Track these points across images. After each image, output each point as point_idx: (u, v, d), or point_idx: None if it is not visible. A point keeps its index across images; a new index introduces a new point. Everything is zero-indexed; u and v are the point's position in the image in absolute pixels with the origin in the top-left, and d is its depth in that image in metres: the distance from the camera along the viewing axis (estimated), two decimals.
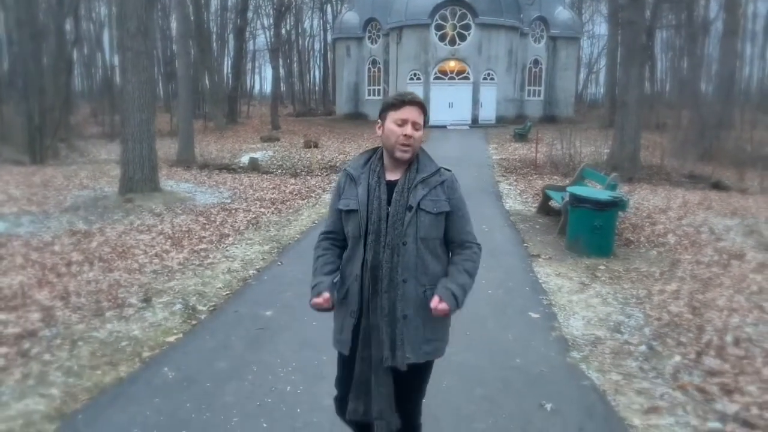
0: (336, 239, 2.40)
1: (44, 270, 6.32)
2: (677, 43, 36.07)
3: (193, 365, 3.98)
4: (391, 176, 2.30)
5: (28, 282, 5.88)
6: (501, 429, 3.25)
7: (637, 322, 5.04)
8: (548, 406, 3.51)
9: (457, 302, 2.22)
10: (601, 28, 58.76)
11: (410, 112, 2.23)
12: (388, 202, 2.24)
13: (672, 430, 3.35)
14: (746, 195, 13.33)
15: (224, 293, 5.63)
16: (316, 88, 62.80)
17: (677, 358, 4.33)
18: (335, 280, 2.32)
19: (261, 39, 54.15)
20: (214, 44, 38.73)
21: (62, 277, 6.11)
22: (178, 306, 5.20)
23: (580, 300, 5.60)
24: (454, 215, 2.30)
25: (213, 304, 5.32)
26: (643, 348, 4.50)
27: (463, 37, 34.35)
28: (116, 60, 42.46)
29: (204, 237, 7.96)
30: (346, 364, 2.36)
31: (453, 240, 2.33)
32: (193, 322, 4.87)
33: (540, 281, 6.16)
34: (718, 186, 14.64)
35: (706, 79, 28.17)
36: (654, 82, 39.67)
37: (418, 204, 2.22)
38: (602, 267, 6.70)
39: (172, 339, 4.48)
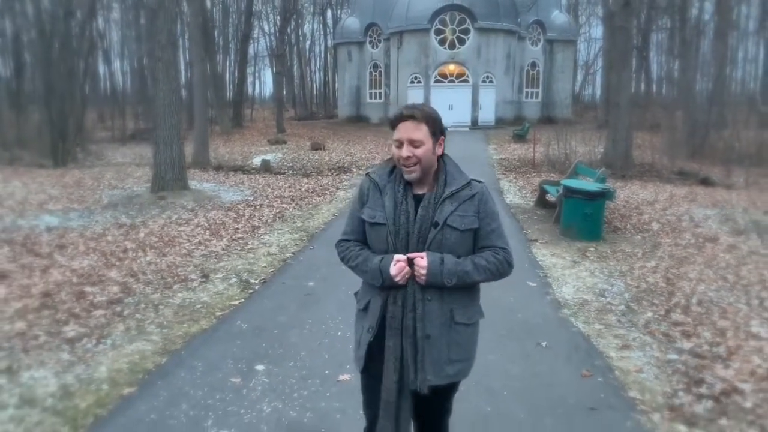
0: (354, 242, 2.28)
1: (105, 255, 7.28)
2: (671, 46, 37.07)
3: (259, 320, 4.97)
4: (419, 190, 2.17)
5: (96, 264, 6.85)
6: (507, 358, 4.22)
7: (618, 290, 6.03)
8: (544, 344, 4.50)
9: (441, 271, 2.07)
10: (598, 30, 59.88)
11: (404, 131, 2.11)
12: (415, 217, 2.12)
13: (640, 359, 4.34)
14: (731, 190, 14.29)
15: (269, 270, 6.61)
16: (316, 92, 63.86)
17: (649, 314, 5.32)
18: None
19: (260, 44, 55.18)
20: (220, 50, 39.82)
21: (123, 260, 7.07)
22: (234, 280, 6.19)
23: (571, 274, 6.59)
24: (482, 231, 2.16)
25: (262, 278, 6.31)
26: (622, 307, 5.49)
27: (462, 41, 35.39)
28: (118, 65, 43.64)
29: (238, 228, 8.93)
30: (368, 388, 2.27)
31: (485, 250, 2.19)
32: (250, 291, 5.86)
33: (537, 260, 7.15)
34: (705, 182, 15.61)
35: (700, 80, 29.19)
36: (649, 83, 40.72)
37: (445, 221, 2.09)
38: (592, 249, 7.69)
39: (236, 303, 5.47)
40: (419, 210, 2.11)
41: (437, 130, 2.15)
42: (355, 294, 2.32)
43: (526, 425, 3.34)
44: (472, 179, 2.20)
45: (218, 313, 5.19)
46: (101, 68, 42.96)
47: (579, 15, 55.16)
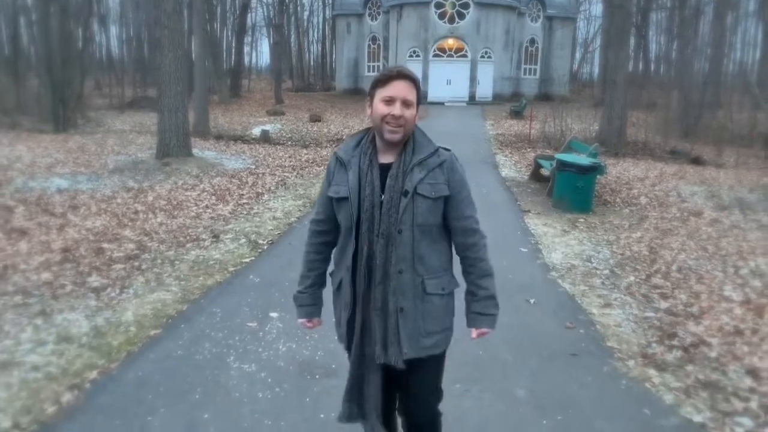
0: (326, 230, 2.26)
1: (117, 216, 7.62)
2: (670, 25, 37.15)
3: (270, 274, 5.35)
4: (385, 159, 2.10)
5: (110, 224, 7.19)
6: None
7: (604, 257, 6.43)
8: (532, 301, 4.91)
9: (495, 318, 2.20)
10: (597, 8, 59.66)
11: (399, 89, 2.02)
12: (382, 188, 2.06)
13: (619, 316, 4.75)
14: (720, 169, 14.69)
15: (276, 233, 6.98)
16: (313, 63, 63.61)
17: (631, 278, 5.72)
18: (319, 292, 2.35)
19: (257, 13, 54.77)
20: (218, 19, 39.63)
21: (135, 221, 7.41)
22: (243, 240, 6.56)
23: (561, 242, 6.98)
24: (453, 199, 2.11)
25: (270, 239, 6.68)
26: (606, 272, 5.90)
27: (462, 16, 35.37)
28: (113, 32, 43.31)
29: (243, 194, 9.26)
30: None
31: (453, 226, 2.15)
32: (259, 250, 6.24)
33: (529, 228, 7.54)
34: (696, 161, 16.00)
35: (697, 60, 29.40)
36: (647, 62, 40.88)
37: (415, 188, 2.03)
38: (582, 220, 8.08)
39: (247, 260, 5.84)
40: (388, 179, 2.05)
41: (420, 98, 2.11)
42: (330, 273, 2.30)
43: (513, 365, 3.75)
44: (440, 147, 2.14)
45: (231, 269, 5.57)
46: (98, 35, 42.72)
47: None
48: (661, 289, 5.42)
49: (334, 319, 2.28)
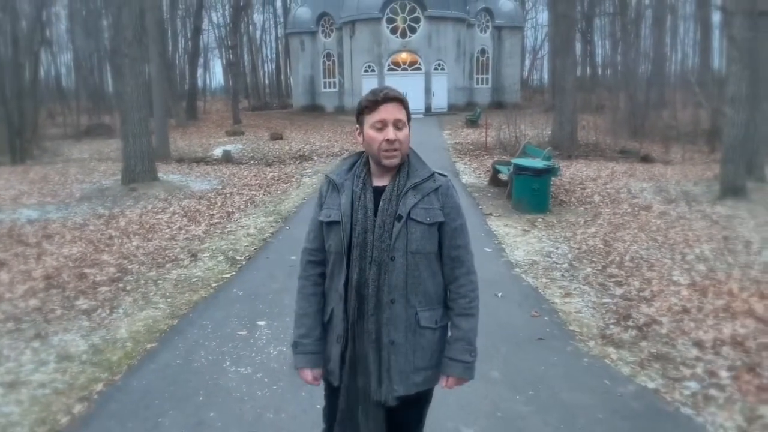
0: (322, 260, 2.12)
1: (93, 243, 7.76)
2: (613, 30, 38.62)
3: (253, 287, 5.63)
4: (379, 182, 2.04)
5: (87, 250, 7.34)
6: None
7: (563, 252, 6.90)
8: (499, 294, 5.32)
9: (468, 366, 2.06)
10: (544, 16, 61.48)
11: (388, 111, 1.96)
12: (375, 211, 1.99)
13: (579, 303, 5.19)
14: (668, 165, 15.51)
15: (252, 248, 7.24)
16: (268, 81, 63.75)
17: (588, 269, 6.19)
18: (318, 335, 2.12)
19: (208, 35, 54.72)
20: (169, 42, 39.55)
21: (111, 246, 7.57)
22: (221, 258, 6.81)
23: (522, 240, 7.44)
24: (447, 226, 2.03)
25: (247, 255, 6.95)
26: (565, 265, 6.36)
27: (413, 30, 36.14)
28: (60, 60, 42.76)
29: (214, 214, 9.48)
30: (333, 395, 2.14)
31: (443, 254, 2.06)
32: (238, 266, 6.50)
33: (492, 230, 7.99)
34: (645, 159, 16.81)
35: (640, 63, 30.71)
36: (594, 66, 42.34)
37: (409, 213, 1.96)
38: (540, 219, 8.57)
39: (228, 276, 6.11)
40: (380, 203, 1.98)
41: (410, 115, 2.06)
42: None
43: (486, 352, 4.11)
44: (436, 172, 2.09)
45: (214, 284, 5.82)
46: (46, 63, 42.06)
47: (526, 1, 56.61)
48: (616, 277, 5.90)
49: None
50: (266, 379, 3.79)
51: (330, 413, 2.15)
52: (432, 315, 2.03)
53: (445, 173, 2.12)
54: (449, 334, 2.07)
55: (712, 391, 3.62)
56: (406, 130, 2.00)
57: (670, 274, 5.98)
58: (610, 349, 4.25)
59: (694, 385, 3.71)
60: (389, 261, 1.95)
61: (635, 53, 28.64)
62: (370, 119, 1.97)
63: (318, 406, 3.39)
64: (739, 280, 5.70)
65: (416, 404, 2.10)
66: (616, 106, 25.28)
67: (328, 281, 2.10)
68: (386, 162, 1.98)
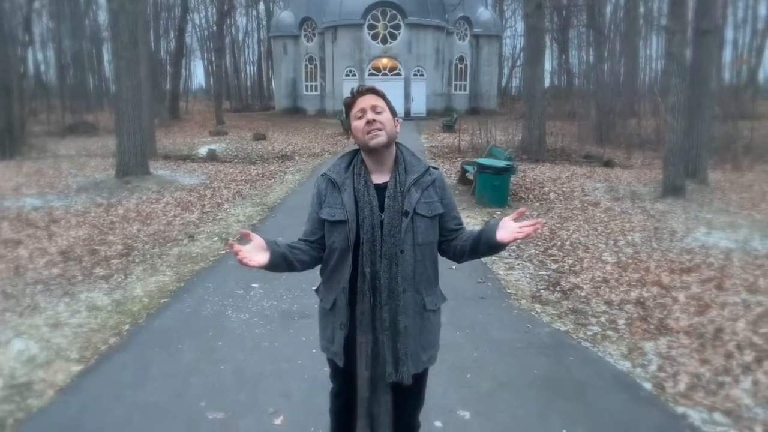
0: (315, 246, 2.24)
1: (97, 226, 8.64)
2: (587, 41, 40.12)
3: None
4: (378, 179, 2.17)
5: (93, 233, 8.22)
6: None
7: None
8: (453, 267, 6.28)
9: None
10: (522, 26, 63.05)
11: (365, 101, 2.14)
12: (380, 208, 2.11)
13: (519, 274, 6.25)
14: (626, 169, 16.70)
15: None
16: (250, 83, 64.48)
17: (532, 250, 7.26)
18: (287, 250, 2.17)
19: (191, 37, 55.36)
20: (152, 43, 40.18)
21: (113, 230, 8.46)
22: (216, 239, 7.76)
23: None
24: (447, 216, 2.22)
25: (239, 236, 7.88)
26: (513, 247, 7.41)
27: (394, 36, 37.31)
28: (40, 57, 43.13)
29: (205, 204, 10.40)
30: (342, 376, 2.31)
31: (448, 227, 2.26)
32: None
33: None
34: (608, 164, 17.98)
35: (610, 72, 32.14)
36: (570, 75, 43.85)
37: (414, 209, 2.11)
38: (498, 212, 9.63)
39: (223, 252, 7.05)
40: (386, 199, 2.11)
41: (392, 108, 2.21)
42: (316, 290, 2.34)
43: None
44: (430, 166, 2.24)
45: (211, 258, 6.78)
46: (31, 61, 42.40)
47: (504, 10, 58.15)
48: (554, 257, 6.97)
49: (319, 335, 2.34)
50: (261, 322, 4.77)
51: (343, 395, 2.36)
52: (433, 299, 2.27)
53: (437, 166, 2.41)
54: (474, 234, 2.24)
55: (609, 332, 4.68)
56: (386, 114, 2.16)
57: (601, 255, 7.06)
58: (537, 306, 5.30)
59: (596, 329, 4.77)
60: (399, 254, 2.11)
61: (609, 63, 30.07)
62: (353, 112, 2.17)
63: (303, 339, 4.40)
64: (657, 260, 6.80)
65: (420, 381, 2.33)
66: (586, 113, 26.58)
67: (328, 274, 2.24)
68: (372, 143, 2.10)
